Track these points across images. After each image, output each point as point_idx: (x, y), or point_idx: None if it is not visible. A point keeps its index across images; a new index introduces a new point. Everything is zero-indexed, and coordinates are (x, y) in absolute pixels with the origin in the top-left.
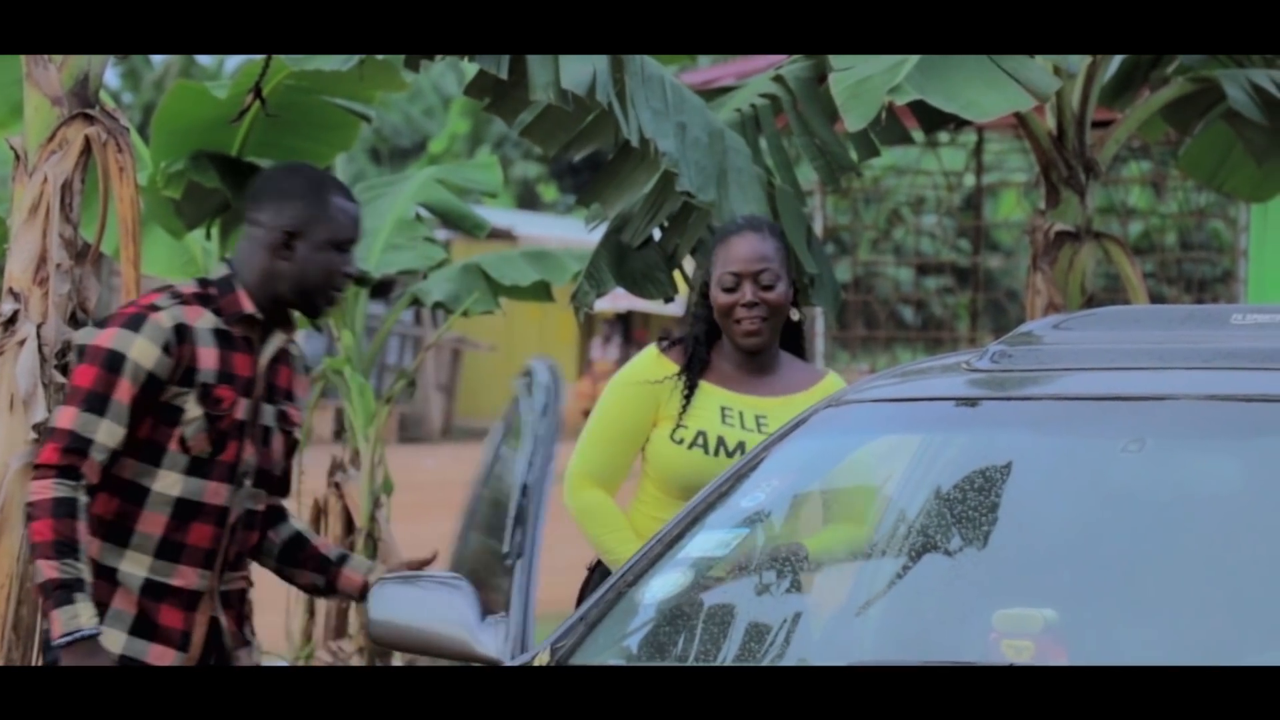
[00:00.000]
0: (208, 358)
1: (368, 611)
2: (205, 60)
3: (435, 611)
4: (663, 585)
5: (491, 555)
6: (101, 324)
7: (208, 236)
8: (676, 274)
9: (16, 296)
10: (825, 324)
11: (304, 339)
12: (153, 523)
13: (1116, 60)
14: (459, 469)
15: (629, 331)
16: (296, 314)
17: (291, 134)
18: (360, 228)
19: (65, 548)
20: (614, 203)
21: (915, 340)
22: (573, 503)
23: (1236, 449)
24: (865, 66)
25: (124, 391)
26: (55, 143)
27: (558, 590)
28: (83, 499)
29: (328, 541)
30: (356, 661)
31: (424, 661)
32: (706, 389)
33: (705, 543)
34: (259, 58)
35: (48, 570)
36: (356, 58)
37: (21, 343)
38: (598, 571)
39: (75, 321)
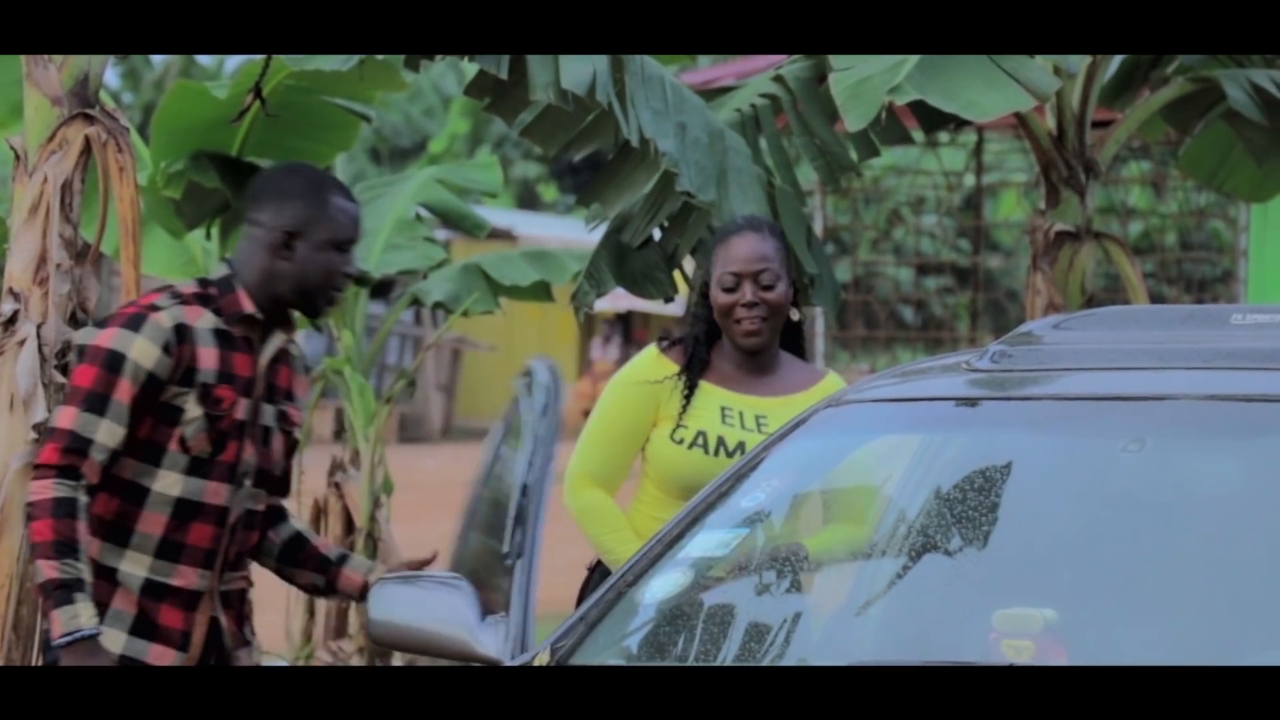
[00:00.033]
0: (208, 358)
1: (367, 612)
2: (205, 60)
3: (435, 612)
4: (663, 585)
5: (491, 555)
6: (101, 324)
7: (208, 236)
8: (676, 274)
9: (16, 296)
10: (825, 324)
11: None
12: (153, 523)
13: (1116, 60)
14: (459, 469)
15: (629, 331)
16: (297, 314)
17: (291, 134)
18: (360, 227)
19: (65, 548)
20: (614, 203)
21: (915, 340)
22: (572, 503)
23: (1236, 449)
24: (865, 66)
25: (124, 391)
26: (55, 143)
27: (558, 590)
28: (83, 499)
29: (328, 541)
30: (356, 661)
31: (424, 661)
32: (706, 389)
33: (705, 543)
34: (259, 58)
35: (48, 570)
36: (356, 58)
37: (21, 343)
38: (597, 571)
39: (75, 321)
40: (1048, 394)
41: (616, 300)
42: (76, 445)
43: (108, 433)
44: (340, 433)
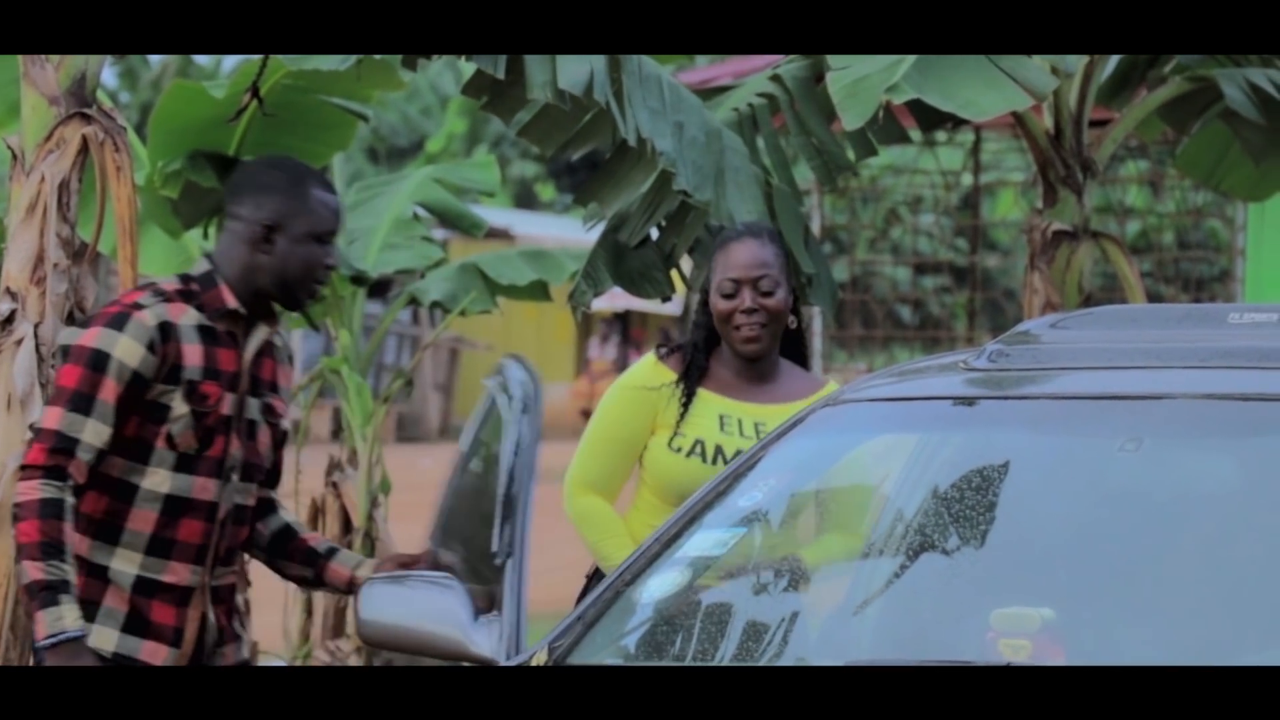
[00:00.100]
0: (192, 354)
1: (358, 612)
2: (202, 60)
3: (427, 611)
4: (660, 585)
5: (469, 555)
6: (85, 323)
7: (205, 236)
8: (674, 273)
9: (14, 296)
10: (823, 323)
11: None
12: (142, 520)
13: (1114, 59)
14: None
15: (626, 331)
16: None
17: (289, 133)
18: (341, 219)
19: (51, 549)
20: (611, 202)
21: (913, 339)
22: (571, 509)
23: (1233, 448)
24: (863, 65)
25: (109, 391)
26: (52, 142)
27: (555, 590)
28: (69, 500)
29: (317, 534)
30: (354, 661)
31: (425, 661)
32: (705, 396)
33: (703, 542)
34: (256, 57)
35: (33, 571)
36: (354, 57)
37: (19, 342)
38: (595, 579)
39: (72, 321)
40: (1045, 393)
41: (614, 299)
42: (63, 445)
43: (94, 432)
44: (338, 432)
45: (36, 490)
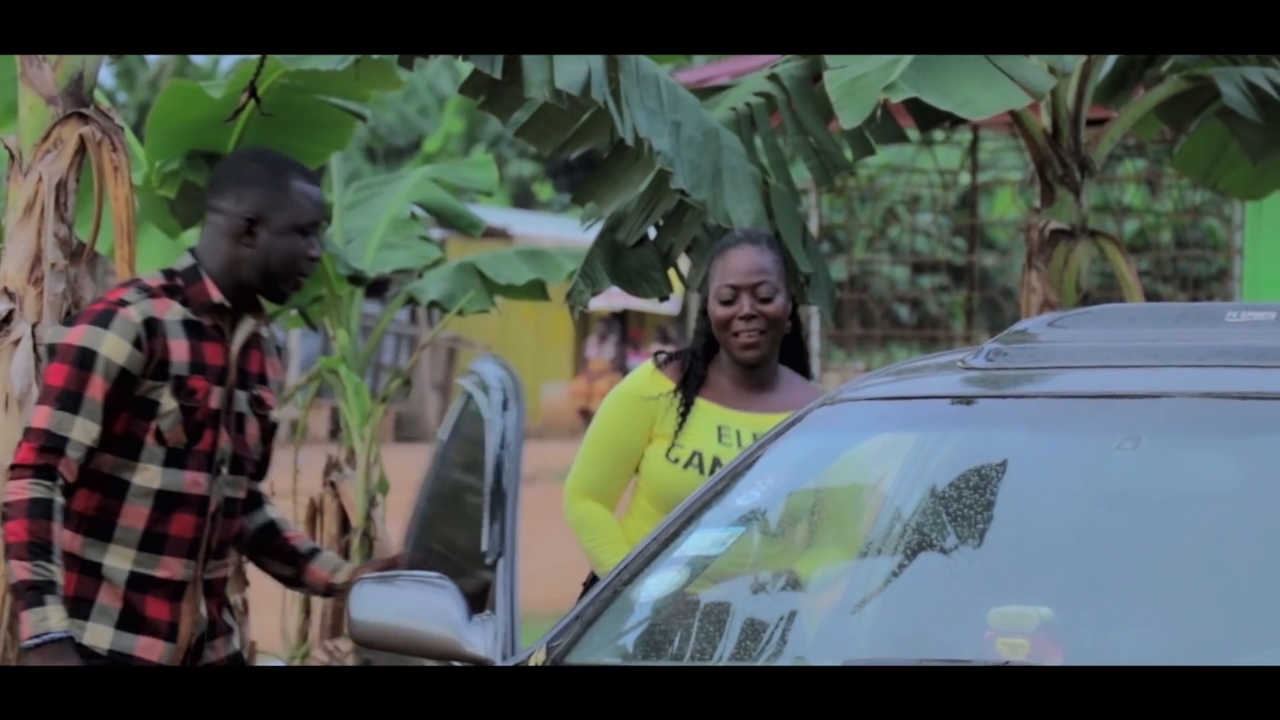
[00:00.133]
0: (179, 350)
1: (349, 612)
2: (200, 60)
3: (420, 611)
4: (658, 584)
5: (449, 557)
6: (71, 322)
7: None
8: (671, 272)
9: (11, 296)
10: (821, 322)
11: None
12: (134, 516)
13: (1111, 58)
14: None
15: (624, 330)
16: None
17: (286, 133)
18: (323, 210)
19: (38, 549)
20: (609, 201)
21: (911, 338)
22: (570, 514)
23: (1231, 447)
24: (860, 64)
25: (96, 388)
26: (50, 142)
27: (553, 590)
28: (59, 500)
29: (301, 533)
30: (352, 661)
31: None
32: (703, 406)
33: (701, 541)
34: (254, 57)
35: (20, 572)
36: (351, 57)
37: (16, 342)
38: (592, 586)
39: (70, 321)
40: (1043, 392)
41: (612, 299)
42: (52, 444)
43: (83, 430)
44: (336, 432)
45: (26, 490)
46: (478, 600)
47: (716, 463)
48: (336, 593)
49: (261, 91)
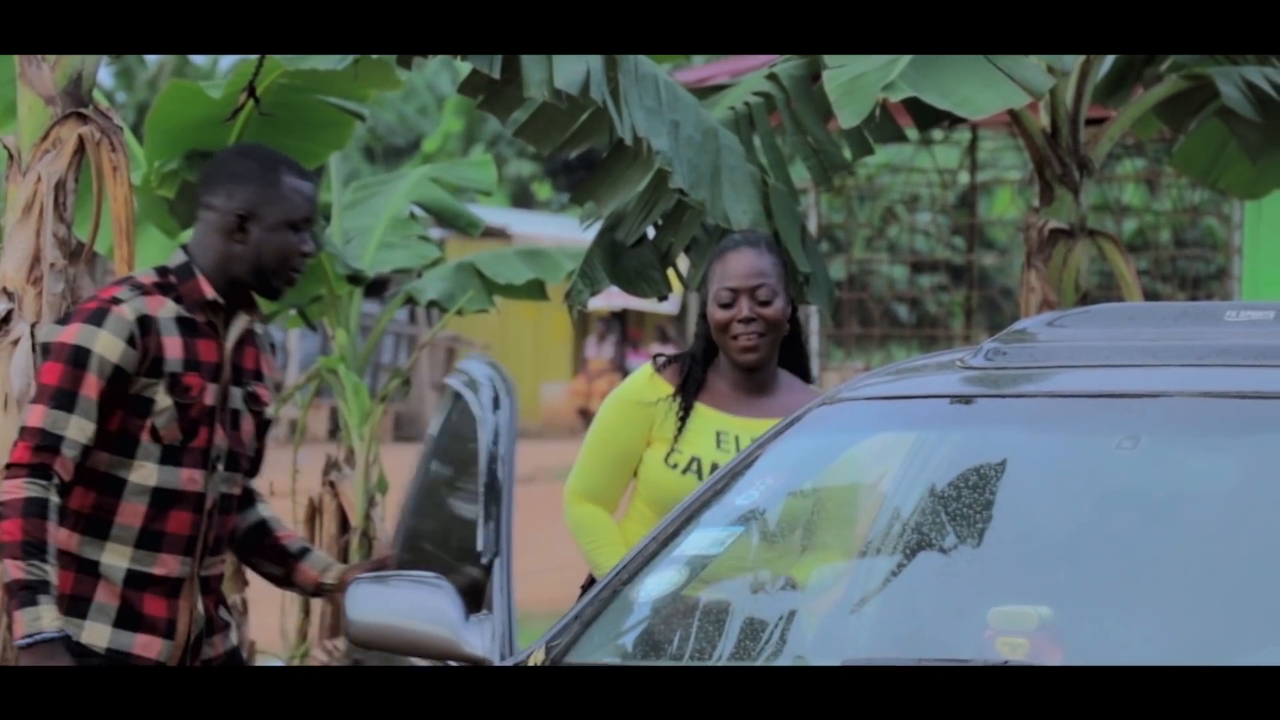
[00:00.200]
0: (173, 347)
1: (345, 612)
2: (199, 60)
3: (417, 611)
4: (657, 584)
5: (441, 556)
6: (64, 320)
7: None
8: (670, 272)
9: (10, 296)
10: (820, 322)
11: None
12: (131, 513)
13: (1110, 57)
14: None
15: (624, 329)
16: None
17: (285, 133)
18: (315, 205)
19: (32, 549)
20: (608, 201)
21: (910, 338)
22: (569, 517)
23: (1230, 446)
24: (859, 64)
25: (91, 386)
26: (49, 142)
27: (552, 590)
28: (54, 499)
29: (292, 532)
30: (350, 661)
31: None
32: (702, 411)
33: (700, 541)
34: (253, 57)
35: (13, 571)
36: (350, 57)
37: (15, 342)
38: (590, 589)
39: (64, 319)
40: (1042, 391)
41: (611, 298)
42: (47, 443)
43: (78, 428)
44: (335, 432)
45: (21, 489)
46: (469, 598)
47: (715, 468)
48: (326, 593)
49: (260, 91)
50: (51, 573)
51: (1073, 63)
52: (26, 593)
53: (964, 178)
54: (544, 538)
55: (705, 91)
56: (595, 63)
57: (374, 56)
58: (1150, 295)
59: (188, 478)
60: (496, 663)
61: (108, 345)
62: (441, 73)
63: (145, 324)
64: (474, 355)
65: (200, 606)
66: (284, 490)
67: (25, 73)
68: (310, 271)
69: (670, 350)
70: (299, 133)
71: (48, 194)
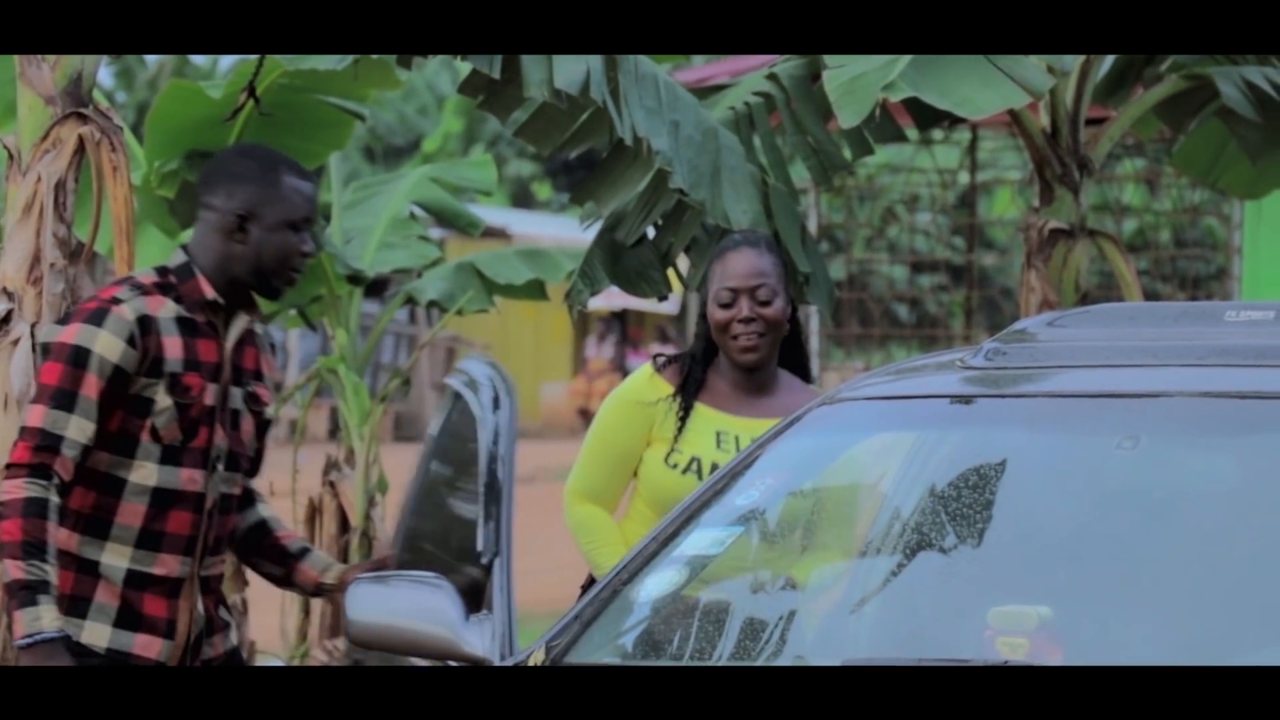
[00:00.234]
0: (173, 347)
1: (345, 612)
2: (199, 60)
3: (417, 611)
4: (657, 584)
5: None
6: (64, 320)
7: None
8: (670, 272)
9: (10, 296)
10: (820, 322)
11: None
12: (131, 513)
13: (1110, 57)
14: None
15: (624, 329)
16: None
17: (285, 133)
18: (315, 205)
19: (32, 549)
20: (608, 201)
21: (910, 338)
22: (569, 517)
23: (1231, 446)
24: (859, 64)
25: (91, 386)
26: (49, 142)
27: (552, 590)
28: (54, 499)
29: (292, 532)
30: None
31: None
32: (702, 411)
33: (700, 541)
34: (253, 57)
35: (13, 571)
36: (350, 57)
37: (15, 342)
38: (590, 589)
39: (64, 319)
40: (1042, 391)
41: (611, 298)
42: (47, 443)
43: (78, 428)
44: (335, 432)
45: (21, 489)
46: (469, 598)
47: (715, 468)
48: (326, 593)
49: (260, 91)
50: (51, 573)
51: (1073, 63)
52: (26, 593)
53: (964, 178)
54: (544, 538)
55: (705, 91)
56: (595, 63)
57: (374, 56)
58: (1150, 295)
59: (188, 478)
60: (496, 663)
61: (108, 345)
62: (441, 73)
63: (145, 324)
64: (474, 355)
65: (200, 606)
66: (284, 490)
67: (25, 73)
68: (310, 271)
69: (670, 350)
70: (299, 133)
71: (48, 194)
